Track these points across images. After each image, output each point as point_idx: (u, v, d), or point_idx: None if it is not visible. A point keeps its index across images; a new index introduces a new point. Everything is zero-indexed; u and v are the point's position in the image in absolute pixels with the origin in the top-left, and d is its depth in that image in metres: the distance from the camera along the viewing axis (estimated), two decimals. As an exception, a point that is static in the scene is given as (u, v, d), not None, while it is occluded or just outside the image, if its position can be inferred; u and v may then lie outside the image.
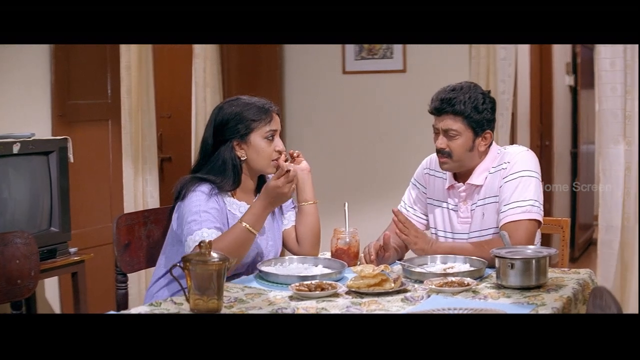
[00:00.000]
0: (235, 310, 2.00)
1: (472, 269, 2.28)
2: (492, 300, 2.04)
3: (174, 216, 2.40)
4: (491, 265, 2.25)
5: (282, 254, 2.57)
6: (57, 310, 3.77)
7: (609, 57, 3.65)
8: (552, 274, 2.27)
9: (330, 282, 2.15)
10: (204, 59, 4.28)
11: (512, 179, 2.44)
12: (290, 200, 2.61)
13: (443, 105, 2.44)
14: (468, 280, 2.16)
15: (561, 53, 6.03)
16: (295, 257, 2.48)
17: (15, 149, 3.13)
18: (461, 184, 2.53)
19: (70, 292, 3.41)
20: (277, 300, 2.08)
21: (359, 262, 2.45)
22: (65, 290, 3.69)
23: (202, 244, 1.93)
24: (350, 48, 4.54)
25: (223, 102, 2.53)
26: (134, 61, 3.94)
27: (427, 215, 2.65)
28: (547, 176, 5.42)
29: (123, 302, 2.54)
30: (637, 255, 3.62)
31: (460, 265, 2.32)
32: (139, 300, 3.52)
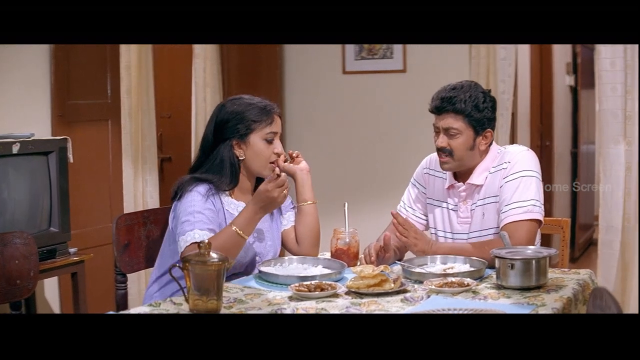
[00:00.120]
0: (234, 310, 2.00)
1: (472, 269, 2.28)
2: (492, 301, 2.03)
3: (171, 216, 2.40)
4: (491, 266, 2.25)
5: (282, 255, 2.57)
6: (56, 310, 3.77)
7: (609, 57, 3.65)
8: (552, 274, 2.27)
9: (329, 282, 2.15)
10: (204, 59, 4.28)
11: (512, 179, 2.44)
12: (289, 201, 2.61)
13: (444, 104, 2.44)
14: (468, 280, 2.15)
15: (561, 53, 6.02)
16: (294, 257, 2.47)
17: (15, 149, 3.13)
18: (461, 183, 2.52)
19: (70, 292, 3.41)
20: (277, 300, 2.08)
21: (358, 263, 2.45)
22: (64, 290, 3.68)
23: (201, 245, 1.93)
24: (350, 48, 4.53)
25: (226, 100, 2.52)
26: (134, 61, 3.94)
27: (426, 216, 2.65)
28: (547, 176, 5.41)
29: (122, 303, 2.54)
30: (638, 255, 3.62)
31: (460, 266, 2.32)
32: (139, 300, 3.52)
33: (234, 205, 2.43)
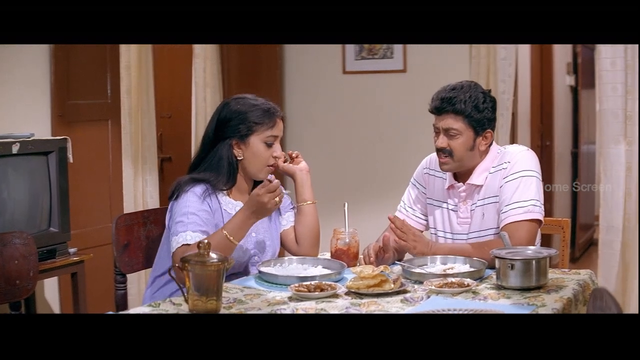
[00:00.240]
0: (234, 310, 1.99)
1: (472, 269, 2.28)
2: (492, 301, 2.03)
3: (168, 216, 2.40)
4: (491, 266, 2.25)
5: (282, 255, 2.57)
6: (56, 310, 3.77)
7: (610, 56, 3.65)
8: (553, 274, 2.26)
9: (329, 282, 2.15)
10: (204, 59, 4.28)
11: (512, 179, 2.43)
12: (289, 201, 2.61)
13: (443, 105, 2.44)
14: (468, 281, 2.15)
15: (562, 53, 6.02)
16: (294, 257, 2.47)
17: (15, 149, 3.12)
18: (461, 184, 2.52)
19: (70, 292, 3.41)
20: (277, 301, 2.07)
21: (358, 263, 2.44)
22: (64, 290, 3.68)
23: (200, 245, 1.93)
24: (351, 48, 4.53)
25: (230, 98, 2.51)
26: (134, 61, 3.94)
27: (426, 216, 2.64)
28: (547, 176, 5.41)
29: (122, 303, 2.53)
30: (638, 255, 3.61)
31: (460, 266, 2.32)
32: (139, 300, 3.52)
33: (231, 205, 2.43)
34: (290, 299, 2.08)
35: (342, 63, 4.57)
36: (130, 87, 3.94)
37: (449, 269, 2.29)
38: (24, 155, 3.18)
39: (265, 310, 1.99)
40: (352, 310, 1.97)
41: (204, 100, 4.30)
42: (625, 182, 3.65)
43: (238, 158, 2.43)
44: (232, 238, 2.24)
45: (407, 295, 2.09)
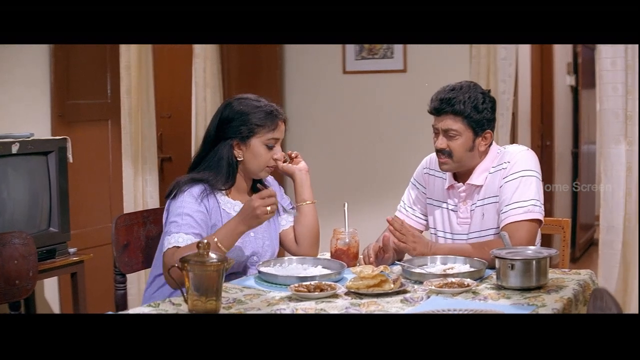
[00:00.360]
0: (233, 311, 1.99)
1: (472, 269, 2.27)
2: (492, 302, 2.03)
3: (165, 215, 2.40)
4: (491, 266, 2.24)
5: (281, 255, 2.57)
6: (56, 310, 3.77)
7: (610, 56, 3.64)
8: (553, 274, 2.26)
9: (329, 282, 2.14)
10: (204, 59, 4.27)
11: (512, 179, 2.43)
12: (288, 201, 2.61)
13: (443, 105, 2.44)
14: (468, 281, 2.15)
15: (562, 53, 6.02)
16: (294, 257, 2.47)
17: (14, 149, 3.12)
18: (461, 184, 2.52)
19: (70, 292, 3.41)
20: (276, 301, 2.07)
21: (358, 263, 2.44)
22: (64, 290, 3.68)
23: (200, 245, 1.93)
24: (351, 48, 4.53)
25: (233, 98, 2.49)
26: (134, 61, 3.94)
27: (426, 216, 2.64)
28: (548, 176, 5.41)
29: (122, 303, 2.53)
30: (638, 255, 3.61)
31: (460, 266, 2.31)
32: (138, 300, 3.52)
33: (230, 204, 2.43)
34: (290, 299, 2.08)
35: (342, 63, 4.56)
36: (130, 87, 3.94)
37: (449, 269, 2.29)
38: (23, 155, 3.18)
39: (265, 310, 1.99)
40: (352, 311, 1.96)
41: (204, 100, 4.30)
42: (626, 182, 3.64)
43: (238, 159, 2.42)
44: (221, 245, 2.22)
45: (407, 295, 2.09)
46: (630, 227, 3.64)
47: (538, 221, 2.42)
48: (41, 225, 3.26)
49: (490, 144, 2.51)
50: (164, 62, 4.60)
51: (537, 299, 2.03)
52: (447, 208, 2.55)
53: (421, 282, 2.19)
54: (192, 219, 2.30)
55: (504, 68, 4.09)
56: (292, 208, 2.59)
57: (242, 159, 2.42)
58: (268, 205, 2.20)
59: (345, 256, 2.44)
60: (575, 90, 6.40)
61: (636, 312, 3.56)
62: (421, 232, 2.63)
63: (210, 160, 2.42)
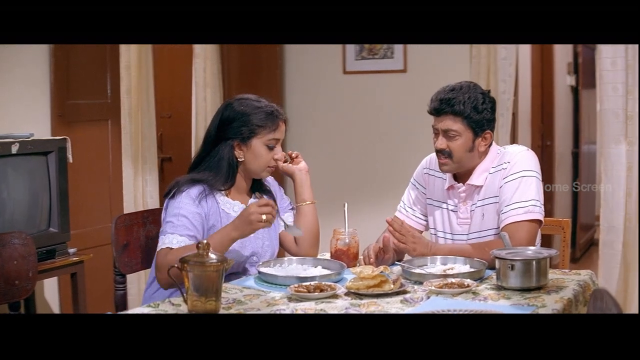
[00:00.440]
0: (233, 311, 1.99)
1: (472, 270, 2.27)
2: (492, 302, 2.03)
3: (163, 214, 2.40)
4: (491, 267, 2.24)
5: (281, 255, 2.56)
6: (56, 310, 3.76)
7: (610, 56, 3.64)
8: (553, 275, 2.26)
9: (329, 283, 2.14)
10: (204, 59, 4.27)
11: (512, 179, 2.43)
12: (288, 201, 2.61)
13: (442, 106, 2.43)
14: (468, 281, 2.15)
15: (562, 53, 6.02)
16: (294, 258, 2.46)
17: (14, 149, 3.12)
18: (461, 184, 2.51)
19: (70, 292, 3.40)
20: (276, 301, 2.07)
21: (358, 264, 2.44)
22: (64, 290, 3.68)
23: (199, 245, 1.93)
24: (351, 48, 4.53)
25: (232, 98, 2.49)
26: (134, 61, 3.93)
27: (426, 216, 2.64)
28: (548, 176, 5.41)
29: (121, 303, 2.53)
30: (638, 256, 3.61)
31: (460, 267, 2.31)
32: (138, 300, 3.51)
33: (229, 204, 2.43)
34: (290, 299, 2.08)
35: (342, 63, 4.56)
36: (130, 87, 3.94)
37: (449, 269, 2.29)
38: (23, 155, 3.17)
39: (265, 310, 1.99)
40: (352, 311, 1.96)
41: (204, 100, 4.29)
42: (626, 182, 3.64)
43: (239, 159, 2.42)
44: (213, 250, 2.21)
45: (407, 295, 2.09)
46: (630, 227, 3.63)
47: (538, 221, 2.42)
48: (41, 225, 3.25)
49: (490, 144, 2.50)
50: (164, 62, 4.60)
51: (537, 299, 2.02)
52: (447, 208, 2.55)
53: (421, 283, 2.19)
54: (188, 220, 2.30)
55: (504, 68, 4.08)
56: (292, 208, 2.59)
57: (242, 159, 2.42)
58: (264, 214, 2.19)
59: (345, 256, 2.44)
60: (575, 90, 6.40)
61: (636, 312, 3.56)
62: (421, 232, 2.63)
63: (211, 161, 2.42)
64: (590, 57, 5.89)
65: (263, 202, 2.23)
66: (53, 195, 3.28)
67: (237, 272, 2.42)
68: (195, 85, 4.31)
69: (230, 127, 2.40)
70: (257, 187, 2.53)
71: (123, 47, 3.91)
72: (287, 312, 1.96)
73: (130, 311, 2.08)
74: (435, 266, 2.35)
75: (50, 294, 3.75)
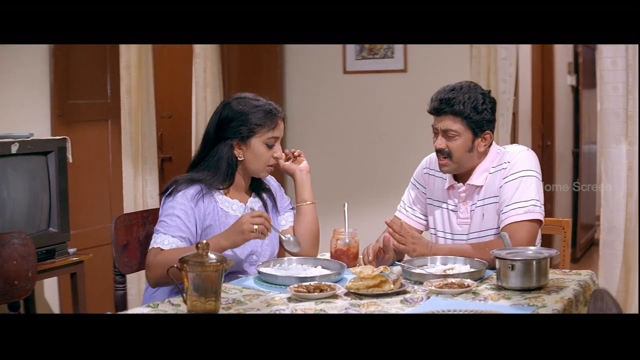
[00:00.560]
0: (233, 311, 1.99)
1: (472, 270, 2.27)
2: (492, 302, 2.02)
3: (160, 211, 2.41)
4: (492, 267, 2.24)
5: (281, 255, 2.56)
6: (56, 311, 3.76)
7: (611, 56, 3.64)
8: (553, 275, 2.26)
9: (329, 283, 2.14)
10: (204, 59, 4.27)
11: (512, 179, 2.42)
12: (288, 201, 2.60)
13: (442, 106, 2.43)
14: (468, 281, 2.14)
15: (563, 53, 6.01)
16: (294, 258, 2.46)
17: (14, 149, 3.12)
18: (461, 184, 2.51)
19: (70, 292, 3.40)
20: (276, 301, 2.07)
21: (358, 264, 2.44)
22: (64, 291, 3.68)
23: (199, 245, 1.93)
24: (351, 48, 4.53)
25: (231, 97, 2.50)
26: (134, 61, 3.93)
27: (426, 216, 2.64)
28: (548, 176, 5.41)
29: (121, 303, 2.53)
30: (638, 256, 3.60)
31: (460, 267, 2.31)
32: (139, 300, 3.51)
33: (228, 203, 2.43)
34: (290, 299, 2.08)
35: (342, 63, 4.56)
36: (130, 87, 3.94)
37: (449, 269, 2.29)
38: (23, 155, 3.17)
39: (265, 311, 1.98)
40: (352, 311, 1.96)
41: (204, 100, 4.29)
42: (627, 182, 3.64)
43: (239, 159, 2.42)
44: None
45: (407, 296, 2.08)
46: (631, 227, 3.63)
47: (538, 221, 2.41)
48: (41, 225, 3.25)
49: (490, 144, 2.50)
50: (164, 62, 4.60)
51: (537, 299, 2.02)
52: (447, 208, 2.55)
53: (421, 283, 2.19)
54: (181, 221, 2.31)
55: (504, 68, 4.08)
56: (292, 208, 2.59)
57: (242, 158, 2.42)
58: (256, 224, 2.20)
59: (345, 256, 2.44)
60: (576, 90, 6.40)
61: (636, 312, 3.55)
62: (421, 232, 2.62)
63: (210, 161, 2.42)
64: (590, 57, 5.88)
65: (256, 214, 2.25)
66: (53, 195, 3.28)
67: (237, 271, 2.42)
68: (195, 85, 4.31)
69: (229, 126, 2.40)
70: (256, 185, 2.53)
71: (123, 47, 3.91)
72: (287, 312, 1.96)
73: (129, 311, 2.08)
74: (436, 266, 2.35)
75: (50, 294, 3.75)
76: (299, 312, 1.96)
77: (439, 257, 2.39)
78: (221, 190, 2.43)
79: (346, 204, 2.53)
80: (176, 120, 4.87)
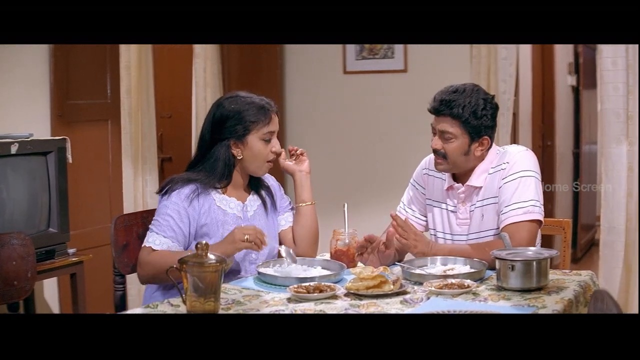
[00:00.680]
0: (232, 312, 1.98)
1: (472, 270, 2.27)
2: (492, 303, 2.02)
3: (156, 210, 2.42)
4: (492, 267, 2.23)
5: (281, 256, 2.55)
6: (56, 311, 3.76)
7: (611, 56, 3.63)
8: (553, 275, 2.25)
9: (328, 284, 2.14)
10: (204, 59, 4.27)
11: (511, 179, 2.42)
12: (287, 201, 2.60)
13: (441, 107, 2.43)
14: (468, 282, 2.14)
15: (563, 53, 6.01)
16: (293, 258, 2.46)
17: (14, 149, 3.12)
18: (460, 185, 2.51)
19: (69, 293, 3.40)
20: (275, 302, 2.06)
21: (358, 264, 2.43)
22: (64, 291, 3.67)
23: (198, 245, 1.92)
24: (351, 48, 4.52)
25: (222, 98, 2.50)
26: (134, 61, 3.93)
27: (425, 216, 2.63)
28: (549, 176, 5.41)
29: (121, 304, 2.52)
30: (639, 256, 3.60)
31: (460, 267, 2.31)
32: (139, 301, 3.51)
33: (226, 201, 2.43)
34: (289, 300, 2.07)
35: (342, 63, 4.56)
36: (130, 87, 3.94)
37: (449, 270, 2.28)
38: (23, 156, 3.17)
39: (264, 311, 1.98)
40: (351, 312, 1.95)
41: (204, 100, 4.29)
42: (627, 183, 3.63)
43: (237, 157, 2.42)
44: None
45: (407, 296, 2.08)
46: (631, 227, 3.63)
47: (538, 222, 2.41)
48: (40, 225, 3.25)
49: (488, 148, 2.48)
50: (164, 62, 4.60)
51: (537, 300, 2.02)
52: (447, 209, 2.55)
53: (421, 283, 2.18)
54: (173, 221, 2.33)
55: (504, 68, 4.08)
56: (292, 208, 2.59)
57: (241, 157, 2.42)
58: (247, 234, 2.22)
59: (345, 257, 2.44)
60: (576, 90, 6.40)
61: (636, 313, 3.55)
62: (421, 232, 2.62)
63: (207, 163, 2.42)
64: (591, 57, 5.88)
65: (250, 227, 2.28)
66: (52, 195, 3.27)
67: (236, 269, 2.41)
68: (195, 85, 4.30)
69: (224, 127, 2.40)
70: (255, 183, 2.53)
71: (123, 47, 3.90)
72: (287, 312, 1.96)
73: (129, 311, 2.08)
74: (435, 267, 2.34)
75: (50, 295, 3.74)
76: (299, 312, 1.96)
77: (439, 257, 2.38)
78: (218, 189, 2.43)
79: (346, 205, 2.53)
80: (176, 120, 4.87)
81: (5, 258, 2.52)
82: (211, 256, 1.92)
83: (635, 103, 3.59)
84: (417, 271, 2.28)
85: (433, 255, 2.38)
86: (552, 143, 5.74)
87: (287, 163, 2.54)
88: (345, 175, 4.58)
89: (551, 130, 5.77)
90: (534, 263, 2.10)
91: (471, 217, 2.49)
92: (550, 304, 1.97)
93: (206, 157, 2.43)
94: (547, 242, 2.83)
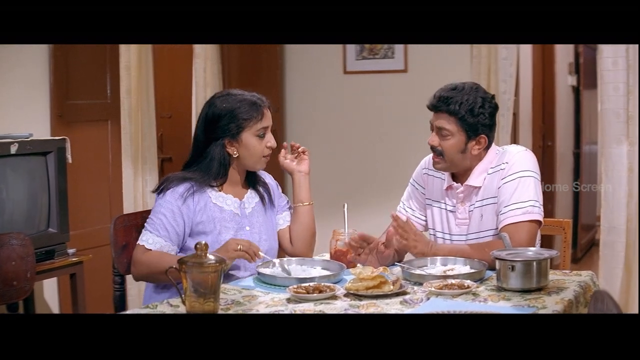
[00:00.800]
0: (231, 312, 1.98)
1: (472, 271, 2.26)
2: (492, 303, 2.02)
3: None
4: (492, 268, 2.23)
5: (280, 255, 2.55)
6: (55, 311, 3.76)
7: (611, 56, 3.63)
8: (554, 276, 2.25)
9: (328, 284, 2.13)
10: (204, 59, 4.27)
11: (511, 179, 2.42)
12: (285, 201, 2.60)
13: (439, 103, 2.43)
14: (468, 282, 2.14)
15: (563, 53, 6.01)
16: (293, 259, 2.46)
17: (13, 149, 3.11)
18: (459, 185, 2.51)
19: (69, 293, 3.40)
20: (275, 302, 2.06)
21: (358, 264, 2.43)
22: (63, 291, 3.67)
23: (197, 246, 1.92)
24: (351, 48, 4.52)
25: (214, 97, 2.49)
26: (134, 61, 3.93)
27: (425, 216, 2.63)
28: (549, 177, 5.40)
29: (120, 304, 2.52)
30: (639, 256, 3.60)
31: (460, 268, 2.30)
32: (139, 301, 3.51)
33: (222, 198, 2.43)
34: (289, 300, 2.07)
35: (342, 63, 4.55)
36: (130, 87, 3.93)
37: (449, 270, 2.28)
38: (22, 156, 3.17)
39: (264, 311, 1.98)
40: (351, 312, 1.95)
41: (204, 100, 4.23)
42: (627, 183, 3.63)
43: (233, 155, 2.42)
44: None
45: (407, 297, 2.08)
46: (631, 228, 3.62)
47: (537, 222, 2.41)
48: (40, 225, 3.25)
49: (486, 148, 2.48)
50: (164, 62, 4.59)
51: (537, 300, 2.02)
52: (446, 209, 2.54)
53: (421, 284, 2.18)
54: (167, 220, 2.34)
55: (505, 68, 4.08)
56: (290, 207, 2.59)
57: (237, 154, 2.42)
58: (240, 244, 2.23)
59: (345, 257, 2.43)
60: (576, 90, 6.39)
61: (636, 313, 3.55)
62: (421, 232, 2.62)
63: (202, 162, 2.42)
64: (591, 57, 5.88)
65: (245, 240, 2.29)
66: (52, 195, 3.27)
67: (235, 265, 2.41)
68: (195, 85, 4.30)
69: (217, 126, 2.40)
70: (252, 179, 2.52)
71: (123, 47, 3.90)
72: (286, 313, 1.95)
73: (129, 312, 2.08)
74: (435, 267, 2.34)
75: (50, 295, 3.74)
76: (298, 313, 1.96)
77: (438, 258, 2.38)
78: (214, 187, 2.43)
79: (346, 205, 2.53)
80: (176, 121, 4.87)
81: (4, 258, 2.52)
82: (211, 257, 1.92)
83: (636, 103, 3.59)
84: (417, 271, 2.27)
85: (433, 256, 2.38)
86: (553, 143, 5.74)
87: (287, 162, 2.54)
88: (345, 175, 4.58)
89: (551, 131, 5.76)
90: (534, 263, 2.09)
91: (470, 217, 2.48)
92: (550, 305, 1.97)
93: (201, 156, 2.43)
94: (547, 242, 2.82)
